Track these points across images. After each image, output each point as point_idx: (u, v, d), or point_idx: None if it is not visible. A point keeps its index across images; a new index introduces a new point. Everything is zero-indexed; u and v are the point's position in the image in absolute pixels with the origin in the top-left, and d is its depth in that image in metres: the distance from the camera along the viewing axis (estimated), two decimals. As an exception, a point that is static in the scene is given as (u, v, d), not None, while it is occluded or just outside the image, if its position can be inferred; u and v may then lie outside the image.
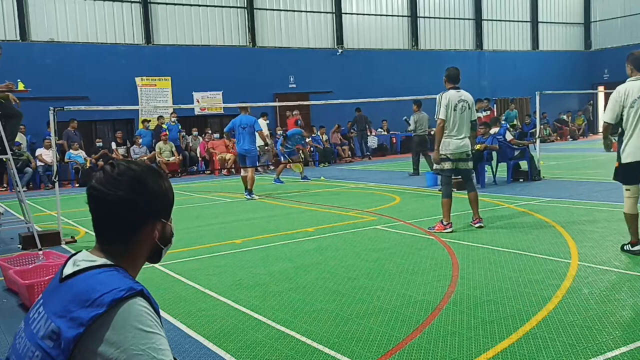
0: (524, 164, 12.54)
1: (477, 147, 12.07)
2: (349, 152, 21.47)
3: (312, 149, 20.52)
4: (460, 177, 11.09)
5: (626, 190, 5.72)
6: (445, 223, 7.34)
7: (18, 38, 18.21)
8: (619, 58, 33.36)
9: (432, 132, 12.24)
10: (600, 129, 34.27)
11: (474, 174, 8.41)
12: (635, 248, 5.68)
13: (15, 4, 18.08)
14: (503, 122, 19.20)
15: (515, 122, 22.86)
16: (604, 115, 5.85)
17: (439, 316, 4.20)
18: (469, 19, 27.70)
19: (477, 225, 7.43)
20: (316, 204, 10.45)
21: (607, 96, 28.04)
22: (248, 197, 11.65)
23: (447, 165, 7.42)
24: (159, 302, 1.52)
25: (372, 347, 3.70)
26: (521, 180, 12.23)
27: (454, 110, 7.34)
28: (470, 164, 7.64)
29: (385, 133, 23.45)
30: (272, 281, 5.39)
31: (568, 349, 3.53)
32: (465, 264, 5.64)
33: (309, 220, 8.71)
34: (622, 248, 5.84)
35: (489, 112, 16.75)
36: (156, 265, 1.56)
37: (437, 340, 3.74)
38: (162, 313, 1.56)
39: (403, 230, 7.53)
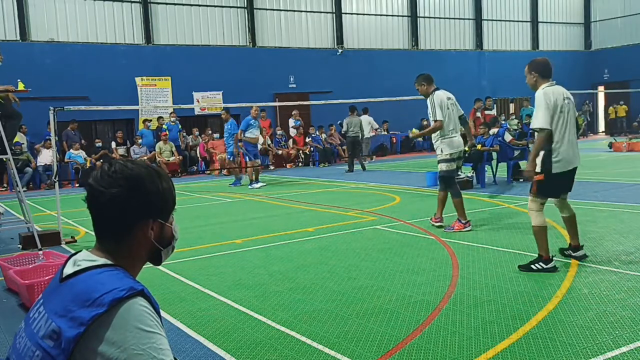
0: (524, 164, 12.52)
1: (478, 147, 12.09)
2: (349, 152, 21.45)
3: (312, 148, 20.54)
4: (462, 177, 11.06)
5: (541, 204, 5.26)
6: (464, 222, 7.27)
7: (18, 38, 18.22)
8: (619, 58, 33.42)
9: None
10: (601, 128, 34.02)
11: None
12: (550, 265, 5.17)
13: (15, 4, 18.08)
14: (503, 122, 19.19)
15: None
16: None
17: (439, 316, 4.20)
18: (469, 19, 27.71)
19: (437, 224, 7.48)
20: (316, 204, 10.45)
21: (607, 96, 27.81)
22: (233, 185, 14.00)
23: (452, 166, 7.44)
24: (159, 302, 1.53)
25: (372, 347, 3.70)
26: (521, 180, 12.21)
27: (447, 108, 7.42)
28: (461, 163, 7.77)
29: (386, 133, 23.45)
30: (272, 281, 5.39)
31: (568, 349, 3.53)
32: (465, 264, 5.65)
33: (309, 220, 8.71)
34: (527, 267, 5.23)
35: (493, 111, 16.77)
36: (156, 265, 1.56)
37: (437, 340, 3.74)
38: (162, 313, 1.56)
39: (403, 230, 7.53)
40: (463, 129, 7.87)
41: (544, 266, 5.16)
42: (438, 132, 7.37)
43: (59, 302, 1.45)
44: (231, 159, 14.67)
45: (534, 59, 5.36)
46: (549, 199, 5.37)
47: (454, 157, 7.39)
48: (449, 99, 7.51)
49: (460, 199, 7.35)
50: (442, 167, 7.45)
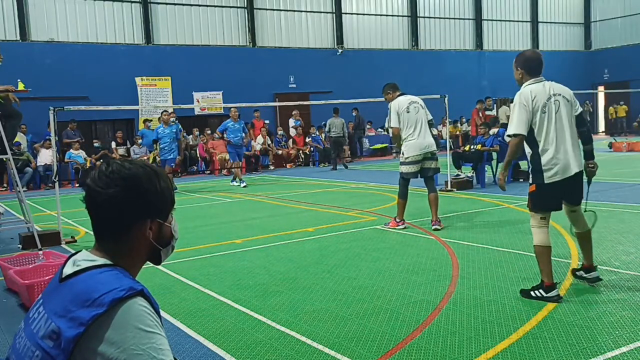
0: (524, 164, 12.52)
1: (478, 147, 12.10)
2: (349, 152, 21.45)
3: (312, 148, 20.54)
4: (462, 177, 11.07)
5: (541, 219, 4.57)
6: (398, 220, 7.63)
7: (18, 38, 18.22)
8: (619, 58, 33.31)
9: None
10: (601, 128, 33.93)
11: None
12: (551, 294, 4.39)
13: (15, 4, 18.08)
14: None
15: None
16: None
17: (439, 316, 4.20)
18: (469, 19, 27.71)
19: (434, 227, 7.46)
20: (316, 204, 10.45)
21: (607, 96, 27.60)
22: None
23: (411, 169, 7.53)
24: (159, 302, 1.52)
25: (372, 347, 3.70)
26: (521, 180, 12.22)
27: (407, 112, 7.48)
28: (437, 164, 7.69)
29: (386, 133, 23.45)
30: (272, 281, 5.39)
31: (568, 349, 3.53)
32: (465, 264, 5.65)
33: (309, 220, 8.71)
34: (527, 294, 4.53)
35: (493, 112, 16.83)
36: (157, 265, 1.58)
37: (437, 340, 3.74)
38: (162, 313, 1.56)
39: (403, 230, 7.53)
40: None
41: (544, 294, 4.38)
42: (403, 135, 7.52)
43: (59, 302, 1.45)
44: (173, 166, 14.22)
45: (521, 53, 4.72)
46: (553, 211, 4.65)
47: (413, 160, 7.49)
48: (412, 102, 7.56)
49: (404, 201, 7.65)
50: (400, 168, 7.68)
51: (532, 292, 4.48)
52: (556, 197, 4.53)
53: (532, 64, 4.57)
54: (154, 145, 13.84)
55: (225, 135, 14.31)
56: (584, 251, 4.81)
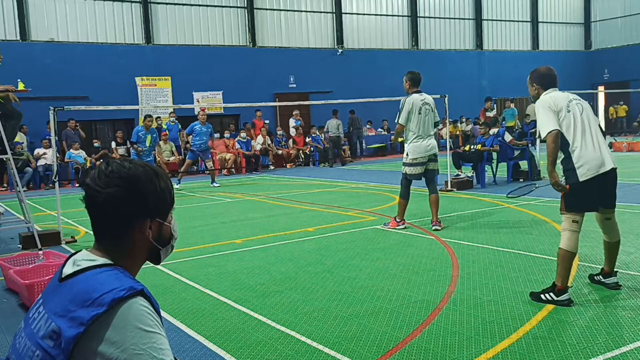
0: (523, 164, 12.54)
1: (478, 147, 12.09)
2: (349, 152, 21.46)
3: (312, 148, 20.54)
4: (462, 177, 11.08)
5: (573, 222, 4.40)
6: (398, 220, 7.66)
7: (18, 38, 18.22)
8: (619, 58, 33.29)
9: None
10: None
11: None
12: (562, 297, 4.32)
13: (15, 4, 18.08)
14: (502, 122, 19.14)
15: (514, 121, 21.72)
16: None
17: (439, 316, 4.20)
18: (469, 19, 27.71)
19: (434, 227, 7.48)
20: (316, 204, 10.45)
21: (607, 96, 27.65)
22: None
23: (416, 170, 7.57)
24: (159, 302, 1.52)
25: (372, 347, 3.70)
26: (521, 180, 12.22)
27: (419, 113, 7.50)
28: (437, 165, 7.76)
29: (386, 133, 23.47)
30: (272, 281, 5.40)
31: (568, 349, 3.53)
32: (465, 264, 5.65)
33: (309, 220, 8.71)
34: (537, 297, 4.44)
35: (494, 112, 16.83)
36: (156, 265, 1.59)
37: (437, 340, 3.74)
38: (162, 313, 1.56)
39: (403, 230, 7.53)
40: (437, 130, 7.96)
41: (555, 297, 4.31)
42: (407, 135, 7.54)
43: (59, 302, 1.45)
44: None
45: (535, 69, 4.76)
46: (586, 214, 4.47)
47: (418, 161, 7.54)
48: (425, 103, 7.57)
49: (405, 202, 7.71)
50: (404, 169, 7.71)
51: (542, 295, 4.39)
52: (591, 196, 4.37)
53: (547, 79, 4.64)
54: (133, 147, 13.86)
55: (191, 139, 14.55)
56: (608, 258, 4.72)
